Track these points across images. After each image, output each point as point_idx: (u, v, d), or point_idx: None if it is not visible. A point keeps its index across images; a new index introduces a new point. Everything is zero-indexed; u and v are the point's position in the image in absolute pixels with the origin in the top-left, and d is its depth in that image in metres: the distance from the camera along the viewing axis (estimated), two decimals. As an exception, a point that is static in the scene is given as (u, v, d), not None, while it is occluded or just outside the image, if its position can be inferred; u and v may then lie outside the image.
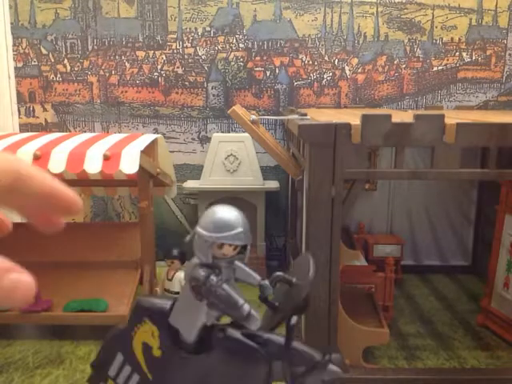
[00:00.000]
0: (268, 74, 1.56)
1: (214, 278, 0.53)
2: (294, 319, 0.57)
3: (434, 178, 0.84)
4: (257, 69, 1.56)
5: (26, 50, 1.55)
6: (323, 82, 1.56)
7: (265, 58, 1.55)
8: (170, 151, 1.54)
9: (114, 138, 1.17)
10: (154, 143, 1.21)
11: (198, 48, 1.55)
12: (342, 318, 0.91)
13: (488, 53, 1.54)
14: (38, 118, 1.59)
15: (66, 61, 1.56)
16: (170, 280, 1.18)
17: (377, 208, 1.54)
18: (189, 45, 1.55)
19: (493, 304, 1.15)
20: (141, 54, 1.55)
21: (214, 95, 1.57)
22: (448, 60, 1.56)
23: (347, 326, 0.92)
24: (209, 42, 1.55)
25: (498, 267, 1.14)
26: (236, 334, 0.57)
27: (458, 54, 1.55)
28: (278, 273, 0.59)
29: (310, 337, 0.90)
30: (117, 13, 1.53)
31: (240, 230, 0.54)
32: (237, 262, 0.57)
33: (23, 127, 1.59)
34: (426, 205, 1.54)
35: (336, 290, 0.88)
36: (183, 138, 1.60)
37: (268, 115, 1.57)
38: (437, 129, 0.80)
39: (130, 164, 1.02)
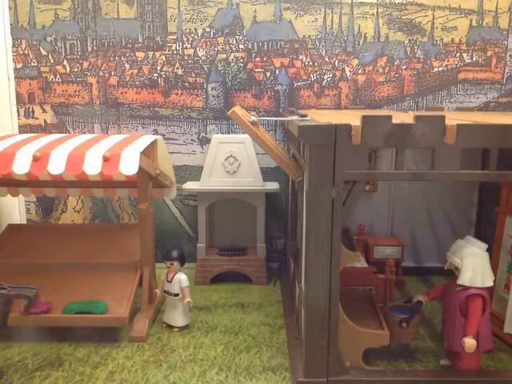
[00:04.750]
0: (268, 75, 1.56)
1: None
2: None
3: (434, 179, 0.84)
4: (257, 70, 1.56)
5: (26, 51, 1.55)
6: (323, 82, 1.56)
7: (265, 58, 1.55)
8: (170, 152, 1.54)
9: (113, 139, 1.17)
10: (153, 144, 1.20)
11: (197, 49, 1.55)
12: (342, 319, 0.91)
13: (488, 54, 1.54)
14: (37, 119, 1.58)
15: (65, 62, 1.55)
16: (170, 282, 1.18)
17: (377, 209, 1.54)
18: (188, 46, 1.54)
19: (494, 306, 1.14)
20: (140, 54, 1.55)
21: (213, 96, 1.57)
22: (448, 61, 1.55)
23: (347, 327, 0.92)
24: (208, 43, 1.54)
25: (498, 269, 1.13)
26: None
27: (458, 55, 1.55)
28: None
29: (310, 338, 0.89)
30: (116, 14, 1.53)
31: None
32: None
33: (22, 128, 1.58)
34: (427, 206, 1.54)
35: (336, 291, 0.87)
36: (183, 139, 1.59)
37: (268, 116, 1.56)
38: (437, 130, 0.80)
39: (129, 165, 1.01)
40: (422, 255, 1.56)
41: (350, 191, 0.86)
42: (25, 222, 1.64)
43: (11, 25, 1.53)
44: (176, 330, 1.18)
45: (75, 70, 1.56)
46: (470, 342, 0.89)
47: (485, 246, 0.93)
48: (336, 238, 0.85)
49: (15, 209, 1.61)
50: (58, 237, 1.38)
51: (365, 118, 0.80)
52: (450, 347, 0.96)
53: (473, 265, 0.91)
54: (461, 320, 0.93)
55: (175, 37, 1.54)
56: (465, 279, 0.91)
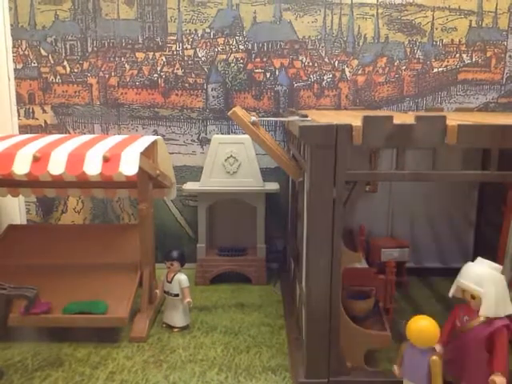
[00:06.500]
0: (268, 76, 1.56)
1: None
2: None
3: (435, 179, 0.84)
4: (257, 70, 1.56)
5: (26, 52, 1.55)
6: (323, 83, 1.56)
7: (265, 59, 1.55)
8: (170, 153, 1.54)
9: (113, 139, 1.17)
10: (153, 145, 1.20)
11: (197, 49, 1.55)
12: (343, 320, 0.91)
13: (488, 54, 1.54)
14: (37, 119, 1.58)
15: (65, 62, 1.55)
16: (170, 282, 1.18)
17: (377, 210, 1.54)
18: (188, 46, 1.55)
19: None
20: (140, 55, 1.55)
21: (213, 97, 1.57)
22: (448, 62, 1.55)
23: (349, 328, 0.92)
24: (208, 44, 1.54)
25: (504, 267, 1.13)
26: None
27: (458, 55, 1.55)
28: None
29: (311, 339, 0.89)
30: (116, 14, 1.53)
31: None
32: None
33: (22, 129, 1.58)
34: (427, 207, 1.54)
35: (337, 292, 0.87)
36: (183, 139, 1.59)
37: (268, 117, 1.56)
38: (438, 130, 0.80)
39: (129, 165, 1.01)
40: (422, 255, 1.56)
41: (350, 191, 0.86)
42: (25, 222, 1.64)
43: (11, 25, 1.53)
44: (176, 330, 1.18)
45: (75, 70, 1.56)
46: (501, 381, 0.77)
47: (500, 267, 0.83)
48: (337, 239, 0.85)
49: (15, 209, 1.61)
50: (58, 237, 1.37)
51: (366, 119, 0.80)
52: None
53: (496, 293, 0.79)
54: (485, 356, 0.80)
55: (175, 37, 1.54)
56: (490, 310, 0.79)
